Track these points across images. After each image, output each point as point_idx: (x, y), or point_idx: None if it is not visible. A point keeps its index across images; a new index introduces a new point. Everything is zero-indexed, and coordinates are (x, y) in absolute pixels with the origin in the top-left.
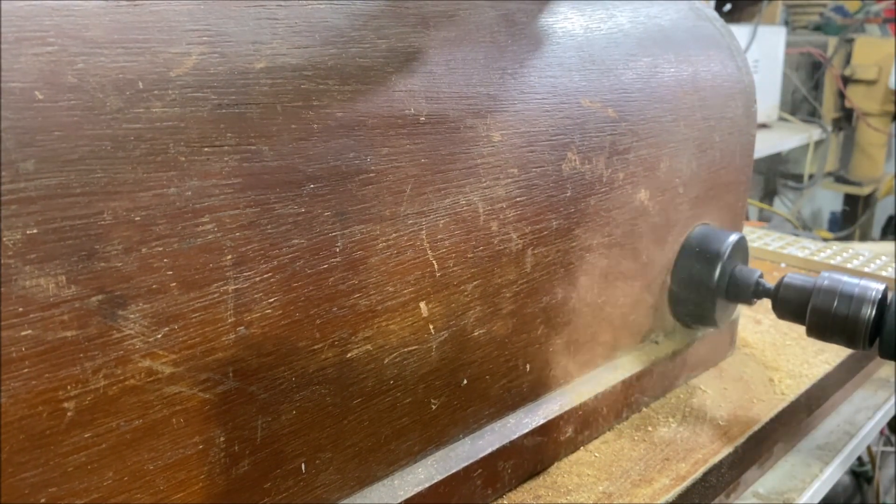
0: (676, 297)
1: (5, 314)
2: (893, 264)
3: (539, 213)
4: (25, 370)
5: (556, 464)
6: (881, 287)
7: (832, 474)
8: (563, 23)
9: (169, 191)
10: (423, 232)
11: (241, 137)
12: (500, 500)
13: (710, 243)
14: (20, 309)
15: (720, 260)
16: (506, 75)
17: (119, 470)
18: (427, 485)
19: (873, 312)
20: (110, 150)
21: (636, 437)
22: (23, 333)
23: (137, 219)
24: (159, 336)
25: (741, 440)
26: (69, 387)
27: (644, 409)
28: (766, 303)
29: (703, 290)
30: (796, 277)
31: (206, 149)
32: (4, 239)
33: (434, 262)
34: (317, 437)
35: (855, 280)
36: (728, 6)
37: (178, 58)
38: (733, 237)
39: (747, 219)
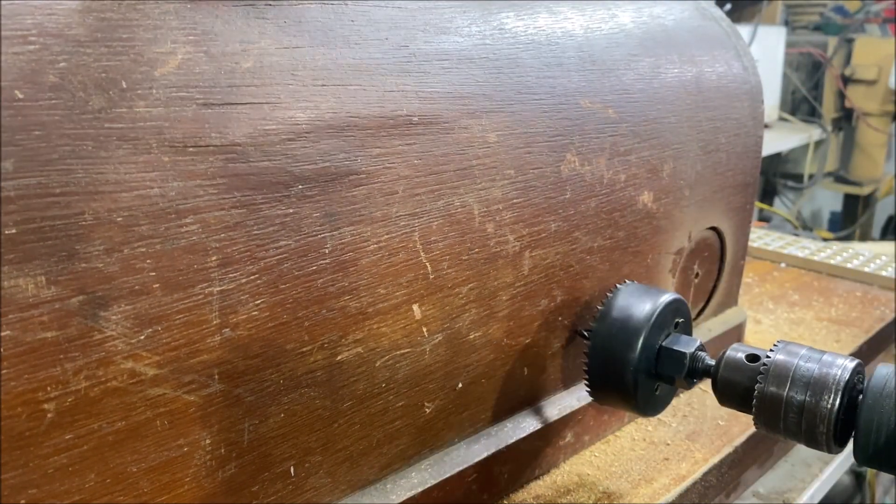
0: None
1: None
2: (893, 264)
3: (537, 216)
4: (4, 371)
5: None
6: (850, 365)
7: (832, 474)
8: (562, 23)
9: (152, 191)
10: (416, 233)
11: (227, 138)
12: (499, 500)
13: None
14: None
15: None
16: (502, 75)
17: (101, 472)
18: (420, 489)
19: (838, 402)
20: (92, 150)
21: (636, 437)
22: (2, 334)
23: (119, 219)
24: (142, 337)
25: (741, 440)
26: (49, 388)
27: None
28: (768, 300)
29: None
30: (741, 350)
31: (190, 149)
32: None
33: (427, 264)
34: (306, 441)
35: (817, 354)
36: (728, 6)
37: (162, 57)
38: (665, 298)
39: None
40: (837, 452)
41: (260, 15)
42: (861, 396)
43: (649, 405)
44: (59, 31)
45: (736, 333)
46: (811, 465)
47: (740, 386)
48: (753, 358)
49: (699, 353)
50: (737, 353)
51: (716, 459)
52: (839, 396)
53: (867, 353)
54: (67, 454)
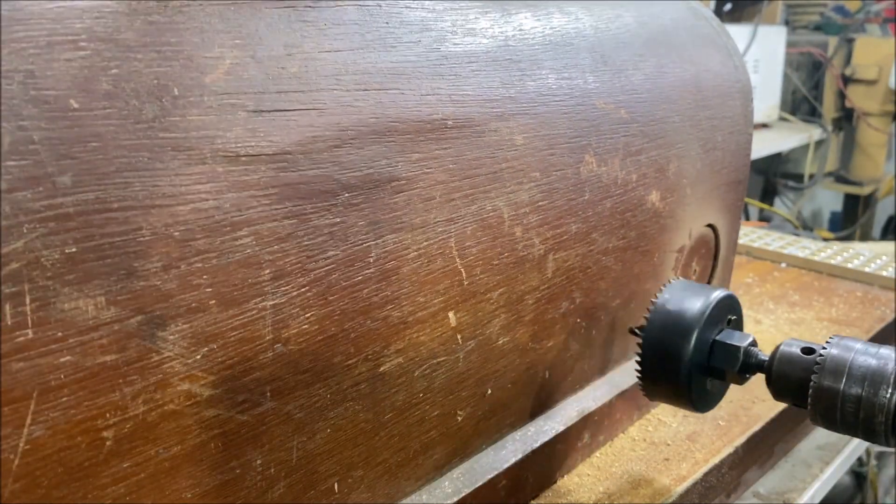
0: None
1: (44, 340)
2: (894, 264)
3: (560, 217)
4: (64, 399)
5: None
6: None
7: (832, 474)
8: (574, 23)
9: (207, 203)
10: (452, 239)
11: (278, 146)
12: None
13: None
14: (59, 334)
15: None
16: (525, 77)
17: (157, 500)
18: (455, 499)
19: None
20: (147, 162)
21: (636, 437)
22: (62, 360)
23: (177, 234)
24: (198, 357)
25: (741, 441)
26: (108, 414)
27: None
28: (769, 301)
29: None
30: (795, 344)
31: (242, 158)
32: (42, 259)
33: (462, 270)
34: (349, 455)
35: (873, 348)
36: (728, 6)
37: (211, 62)
38: (718, 294)
39: (748, 219)
40: (894, 445)
41: (300, 17)
42: None
43: (701, 400)
44: (109, 35)
45: None
46: (811, 466)
47: (795, 380)
48: (809, 351)
49: (752, 348)
50: (791, 347)
51: (716, 460)
52: None
53: None
54: (125, 483)
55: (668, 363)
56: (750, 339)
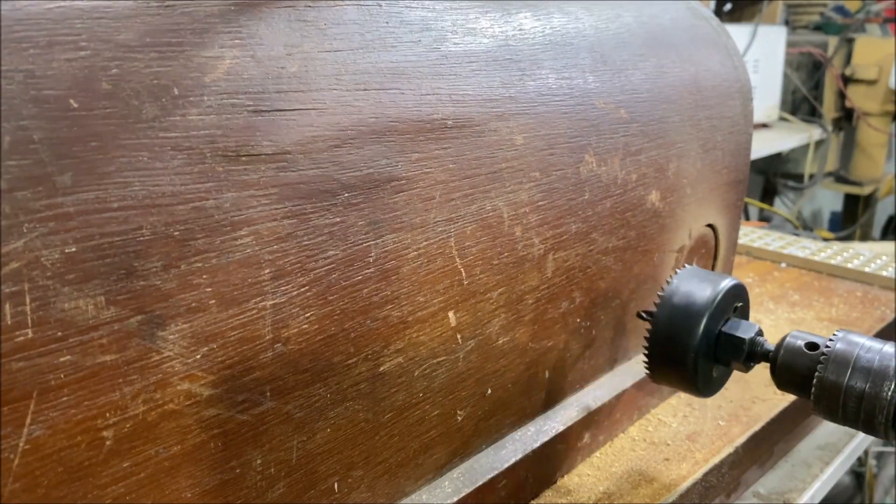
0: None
1: (44, 340)
2: (894, 264)
3: (559, 217)
4: (64, 399)
5: None
6: None
7: (832, 474)
8: (574, 23)
9: (207, 203)
10: (452, 239)
11: (278, 145)
12: None
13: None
14: (59, 333)
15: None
16: (525, 77)
17: (158, 499)
18: (455, 499)
19: None
20: (147, 161)
21: (636, 437)
22: (62, 359)
23: (176, 233)
24: (198, 357)
25: (741, 440)
26: (108, 414)
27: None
28: (769, 301)
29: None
30: (801, 337)
31: (243, 158)
32: (42, 259)
33: (462, 269)
34: (349, 455)
35: (877, 345)
36: (728, 6)
37: (211, 62)
38: (726, 282)
39: (748, 219)
40: (894, 439)
41: (300, 17)
42: None
43: (707, 386)
44: (109, 35)
45: None
46: (811, 466)
47: (800, 372)
48: (812, 347)
49: (758, 338)
50: (797, 340)
51: (716, 460)
52: None
53: None
54: (125, 483)
55: (676, 350)
56: (756, 329)
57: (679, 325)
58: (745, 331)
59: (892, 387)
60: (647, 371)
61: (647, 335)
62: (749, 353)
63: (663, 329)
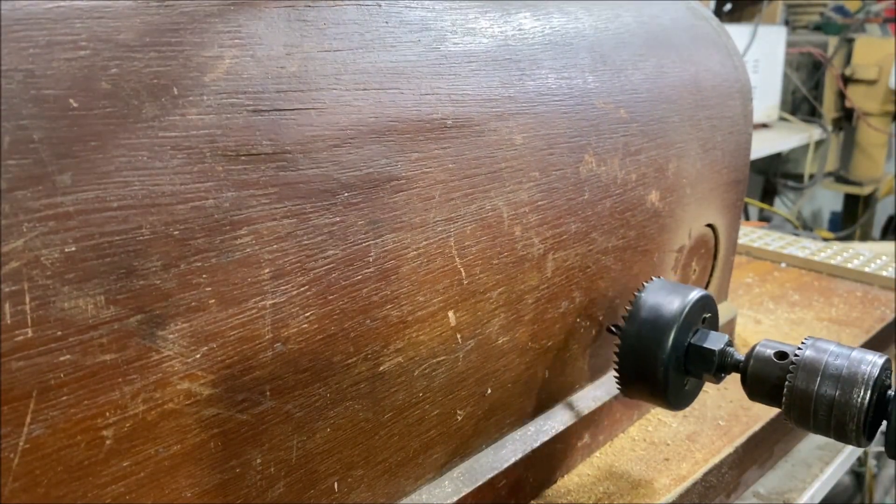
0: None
1: (44, 339)
2: (894, 264)
3: (559, 217)
4: (64, 398)
5: None
6: (880, 361)
7: (832, 474)
8: (574, 23)
9: (207, 202)
10: (452, 239)
11: (277, 145)
12: None
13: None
14: (59, 333)
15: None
16: (524, 77)
17: (158, 499)
18: (455, 498)
19: (868, 397)
20: (147, 161)
21: (636, 437)
22: (62, 359)
23: (176, 233)
24: (198, 356)
25: (741, 440)
26: (108, 413)
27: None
28: (769, 301)
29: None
30: (770, 347)
31: (242, 157)
32: (42, 258)
33: (462, 269)
34: (349, 455)
35: (846, 351)
36: (728, 6)
37: (211, 61)
38: (693, 295)
39: (748, 219)
40: (866, 446)
41: (300, 17)
42: (891, 392)
43: (679, 399)
44: (109, 35)
45: (727, 329)
46: (811, 466)
47: (770, 382)
48: (782, 355)
49: (728, 348)
50: (766, 349)
51: (716, 460)
52: (869, 392)
53: None
54: (125, 482)
55: (647, 364)
56: (725, 340)
57: (648, 339)
58: (714, 342)
59: (862, 393)
60: (619, 386)
61: (617, 350)
62: (719, 365)
63: (633, 343)
